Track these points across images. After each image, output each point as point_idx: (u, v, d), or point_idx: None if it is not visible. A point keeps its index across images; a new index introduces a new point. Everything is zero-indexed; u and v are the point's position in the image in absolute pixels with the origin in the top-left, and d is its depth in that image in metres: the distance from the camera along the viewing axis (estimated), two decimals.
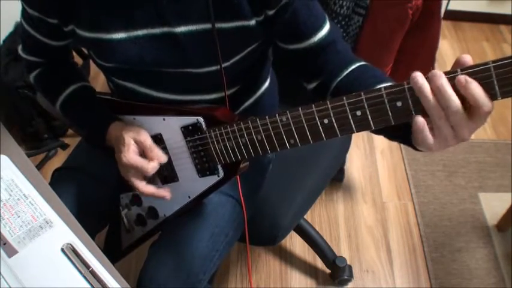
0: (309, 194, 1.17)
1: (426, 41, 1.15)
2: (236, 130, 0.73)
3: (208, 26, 0.76)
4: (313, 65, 0.83)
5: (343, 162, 1.75)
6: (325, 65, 0.81)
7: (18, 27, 1.81)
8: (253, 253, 1.61)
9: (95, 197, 0.96)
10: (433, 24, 1.11)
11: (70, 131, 1.90)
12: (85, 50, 0.92)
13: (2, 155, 0.85)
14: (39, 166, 1.78)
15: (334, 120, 0.62)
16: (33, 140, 1.83)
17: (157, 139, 0.86)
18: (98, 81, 2.08)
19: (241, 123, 0.72)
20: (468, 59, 0.53)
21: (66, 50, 0.96)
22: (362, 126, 0.61)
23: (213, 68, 0.82)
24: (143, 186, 0.83)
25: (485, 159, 1.93)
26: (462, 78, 0.52)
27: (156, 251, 0.91)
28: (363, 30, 1.10)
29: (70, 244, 0.74)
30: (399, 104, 0.57)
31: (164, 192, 0.85)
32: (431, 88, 0.54)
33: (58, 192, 0.82)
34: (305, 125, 0.65)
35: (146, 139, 0.82)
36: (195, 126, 0.80)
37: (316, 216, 1.72)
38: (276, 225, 1.08)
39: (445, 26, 2.58)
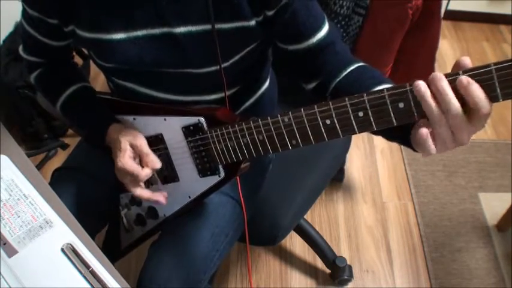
0: (309, 194, 1.17)
1: (426, 41, 1.15)
2: (238, 130, 0.73)
3: (207, 26, 0.76)
4: (312, 66, 0.83)
5: (343, 162, 1.75)
6: (324, 65, 0.81)
7: (18, 27, 1.81)
8: (253, 253, 1.61)
9: (94, 197, 0.97)
10: (433, 24, 1.11)
11: (70, 131, 1.90)
12: (85, 51, 0.92)
13: (2, 155, 0.85)
14: (39, 166, 1.78)
15: (336, 121, 0.62)
16: (33, 140, 1.83)
17: (158, 139, 0.86)
18: (98, 81, 2.08)
19: (243, 124, 0.72)
20: (468, 62, 0.54)
21: (67, 50, 0.96)
22: (364, 127, 0.61)
23: (213, 68, 0.82)
24: (138, 191, 0.84)
25: (485, 159, 1.93)
26: (464, 79, 0.52)
27: (156, 251, 0.91)
28: (363, 30, 1.10)
29: (70, 244, 0.74)
30: (401, 105, 0.57)
31: (159, 196, 0.85)
32: (431, 91, 0.54)
33: (58, 192, 0.82)
34: (307, 126, 0.65)
35: (142, 144, 0.83)
36: (196, 126, 0.80)
37: (316, 216, 1.72)
38: (276, 225, 1.08)
39: (445, 26, 2.58)
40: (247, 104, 0.98)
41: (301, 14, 0.78)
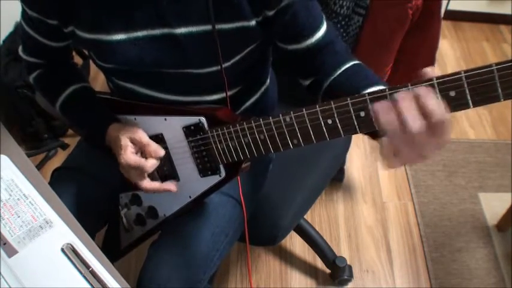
0: (309, 194, 1.17)
1: (426, 41, 1.14)
2: (239, 130, 0.73)
3: (208, 27, 0.76)
4: (311, 65, 0.83)
5: (343, 162, 1.75)
6: (321, 65, 0.82)
7: (18, 28, 1.81)
8: (253, 253, 1.61)
9: (94, 197, 0.97)
10: (433, 24, 1.11)
11: (70, 131, 1.90)
12: (85, 51, 0.92)
13: (2, 155, 0.85)
14: (39, 166, 1.78)
15: (338, 121, 0.62)
16: (33, 140, 1.83)
17: (159, 139, 0.86)
18: (98, 81, 2.08)
19: (244, 123, 0.72)
20: (429, 70, 0.54)
21: (66, 51, 0.96)
22: (366, 127, 0.61)
23: (214, 68, 0.82)
24: (147, 184, 0.84)
25: (485, 159, 1.93)
26: (425, 88, 0.53)
27: (156, 251, 0.91)
28: (363, 30, 1.10)
29: (70, 244, 0.74)
30: None
31: (170, 185, 0.85)
32: (395, 109, 0.54)
33: (58, 192, 0.82)
34: (308, 125, 0.65)
35: (142, 136, 0.83)
36: (197, 126, 0.80)
37: (316, 216, 1.72)
38: (276, 225, 1.08)
39: (445, 26, 2.58)
40: (248, 103, 0.98)
41: (301, 15, 0.78)
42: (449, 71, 0.55)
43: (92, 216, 0.94)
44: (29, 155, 1.62)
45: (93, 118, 0.92)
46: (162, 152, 0.83)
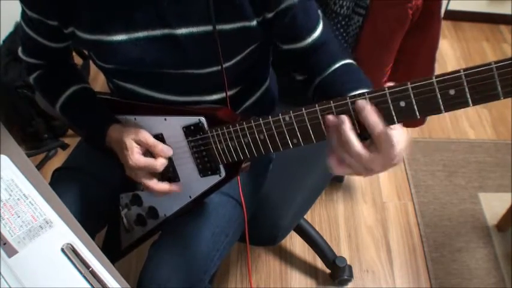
0: (309, 194, 1.17)
1: (426, 41, 1.14)
2: (239, 130, 0.73)
3: (209, 27, 0.76)
4: (305, 64, 0.85)
5: None
6: (315, 64, 0.83)
7: (18, 28, 1.81)
8: (253, 253, 1.61)
9: (94, 197, 0.96)
10: (433, 24, 1.11)
11: (70, 131, 1.90)
12: (85, 51, 0.92)
13: (2, 155, 0.85)
14: (39, 166, 1.78)
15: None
16: (33, 140, 1.83)
17: (159, 139, 0.86)
18: (98, 81, 2.08)
19: (244, 123, 0.72)
20: (361, 102, 0.59)
21: (66, 52, 0.96)
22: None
23: (214, 68, 0.82)
24: (155, 185, 0.84)
25: (485, 159, 1.93)
26: (360, 103, 0.58)
27: (157, 251, 0.91)
28: (363, 30, 1.10)
29: (70, 244, 0.74)
30: (402, 104, 0.57)
31: (176, 186, 0.86)
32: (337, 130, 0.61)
33: (58, 192, 0.82)
34: (308, 125, 0.65)
35: (147, 137, 0.83)
36: (197, 126, 0.80)
37: (316, 216, 1.72)
38: (276, 225, 1.08)
39: (445, 26, 2.58)
40: (248, 103, 0.98)
41: (300, 17, 0.79)
42: (449, 70, 0.55)
43: (92, 217, 0.94)
44: (29, 155, 1.62)
45: (93, 119, 0.92)
46: (170, 151, 0.84)
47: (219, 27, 0.76)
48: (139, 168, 0.82)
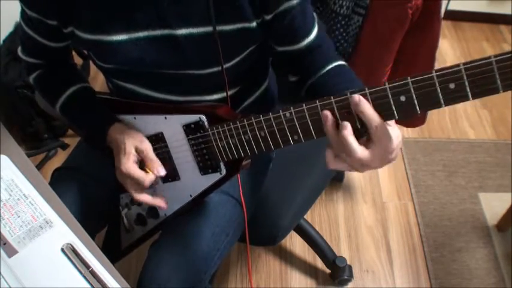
0: (309, 194, 1.17)
1: (426, 41, 1.14)
2: (239, 127, 0.73)
3: (209, 28, 0.76)
4: (299, 65, 0.85)
5: None
6: (309, 65, 0.84)
7: (18, 28, 1.81)
8: (253, 253, 1.61)
9: (94, 197, 0.96)
10: (433, 24, 1.11)
11: (70, 131, 1.90)
12: (85, 51, 0.92)
13: (2, 155, 0.85)
14: (39, 166, 1.78)
15: (338, 116, 0.62)
16: (33, 140, 1.83)
17: (159, 138, 0.86)
18: (98, 81, 2.08)
19: (244, 120, 0.72)
20: (357, 96, 0.59)
21: (66, 51, 0.96)
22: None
23: (214, 69, 0.82)
24: (138, 195, 0.84)
25: (485, 159, 1.93)
26: (356, 97, 0.59)
27: (157, 251, 0.91)
28: (363, 30, 1.10)
29: (70, 244, 0.74)
30: (403, 98, 0.57)
31: (159, 201, 0.86)
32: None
33: (58, 192, 0.82)
34: (308, 121, 0.65)
35: (148, 150, 0.83)
36: (197, 124, 0.80)
37: (316, 216, 1.72)
38: (276, 225, 1.08)
39: (445, 26, 2.58)
40: (247, 103, 0.98)
41: (298, 20, 0.80)
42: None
43: (92, 217, 0.94)
44: (29, 155, 1.62)
45: (93, 119, 0.92)
46: (163, 173, 0.84)
47: (219, 28, 0.76)
48: (129, 177, 0.82)
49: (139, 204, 0.97)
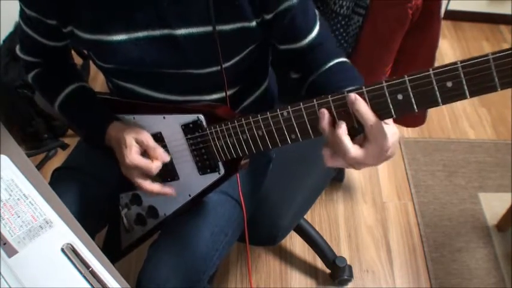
0: (309, 194, 1.17)
1: (426, 41, 1.14)
2: (237, 126, 0.73)
3: (208, 28, 0.76)
4: (301, 63, 0.86)
5: None
6: (310, 62, 0.84)
7: (18, 27, 1.81)
8: (253, 253, 1.61)
9: (94, 197, 0.96)
10: (433, 24, 1.11)
11: (70, 131, 1.90)
12: (84, 51, 0.92)
13: (2, 155, 0.85)
14: (39, 166, 1.78)
15: (335, 114, 0.62)
16: (33, 140, 1.83)
17: (157, 138, 0.86)
18: (98, 81, 2.08)
19: (242, 119, 0.72)
20: (352, 95, 0.60)
21: (65, 51, 0.96)
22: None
23: (214, 69, 0.82)
24: (148, 185, 0.84)
25: (485, 159, 1.93)
26: (352, 95, 0.59)
27: (156, 251, 0.91)
28: (363, 30, 1.10)
29: (70, 244, 0.74)
30: (400, 97, 0.57)
31: (169, 189, 0.85)
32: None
33: (58, 192, 0.82)
34: (306, 120, 0.65)
35: (148, 139, 0.83)
36: (196, 123, 0.81)
37: (316, 216, 1.72)
38: (276, 225, 1.08)
39: (445, 26, 2.58)
40: (247, 103, 0.98)
41: (299, 18, 0.79)
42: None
43: (92, 217, 0.94)
44: (29, 155, 1.62)
45: (92, 118, 0.92)
46: (167, 158, 0.84)
47: (219, 27, 0.76)
48: (135, 167, 0.82)
49: (139, 204, 0.97)
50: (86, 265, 0.72)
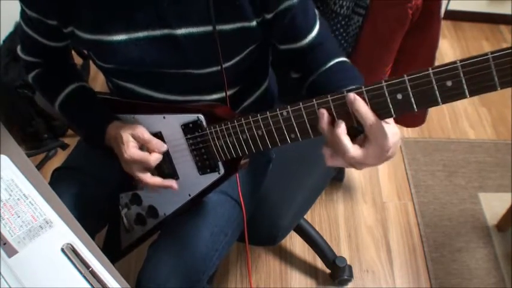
0: (309, 194, 1.17)
1: (426, 41, 1.14)
2: (237, 126, 0.73)
3: (208, 28, 0.76)
4: (301, 62, 0.86)
5: None
6: (310, 62, 0.84)
7: (18, 27, 1.81)
8: (253, 253, 1.61)
9: (94, 197, 0.96)
10: (433, 24, 1.11)
11: (70, 131, 1.90)
12: (85, 51, 0.93)
13: (2, 155, 0.85)
14: (39, 166, 1.78)
15: (334, 114, 0.62)
16: (33, 140, 1.83)
17: (157, 137, 0.86)
18: (98, 81, 2.08)
19: (242, 119, 0.72)
20: (352, 94, 0.60)
21: (65, 51, 0.96)
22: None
23: (214, 68, 0.82)
24: (149, 178, 0.84)
25: (485, 159, 1.93)
26: (351, 95, 0.59)
27: (156, 251, 0.91)
28: (363, 30, 1.10)
29: (70, 244, 0.74)
30: (400, 96, 0.57)
31: (171, 182, 0.85)
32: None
33: (58, 192, 0.82)
34: (305, 119, 0.65)
35: (143, 132, 0.83)
36: (196, 123, 0.81)
37: (316, 216, 1.72)
38: (276, 225, 1.08)
39: (445, 26, 2.58)
40: (247, 103, 0.98)
41: (299, 18, 0.80)
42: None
43: (92, 216, 0.94)
44: (29, 155, 1.62)
45: (92, 117, 0.92)
46: (164, 147, 0.84)
47: (219, 27, 0.76)
48: (134, 162, 0.82)
49: (139, 204, 0.97)
50: (86, 265, 0.72)
